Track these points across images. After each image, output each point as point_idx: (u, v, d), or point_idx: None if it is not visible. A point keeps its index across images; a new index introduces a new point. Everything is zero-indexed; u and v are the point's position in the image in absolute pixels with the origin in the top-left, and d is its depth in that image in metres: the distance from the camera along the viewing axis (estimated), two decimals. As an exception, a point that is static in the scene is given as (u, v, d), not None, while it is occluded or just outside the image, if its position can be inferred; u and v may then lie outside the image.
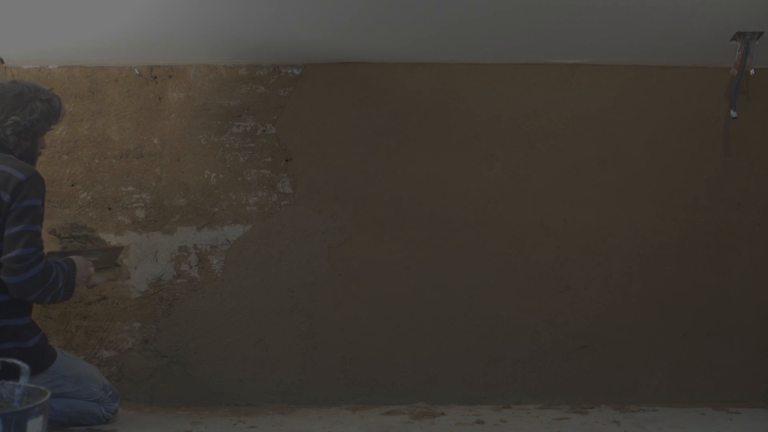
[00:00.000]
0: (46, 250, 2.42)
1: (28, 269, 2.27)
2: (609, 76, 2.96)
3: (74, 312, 2.88)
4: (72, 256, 2.50)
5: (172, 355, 2.91)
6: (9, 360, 1.88)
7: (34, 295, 2.31)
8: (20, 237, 2.28)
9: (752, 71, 2.83)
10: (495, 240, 2.95)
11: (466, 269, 2.94)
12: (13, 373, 1.87)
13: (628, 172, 2.97)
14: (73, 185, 2.93)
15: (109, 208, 2.90)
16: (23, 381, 1.84)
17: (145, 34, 2.77)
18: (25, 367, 1.84)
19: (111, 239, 2.89)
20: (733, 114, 2.88)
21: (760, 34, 2.80)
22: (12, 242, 2.28)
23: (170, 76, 2.93)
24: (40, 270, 2.30)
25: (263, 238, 2.93)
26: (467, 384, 2.94)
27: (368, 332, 2.94)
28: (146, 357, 2.90)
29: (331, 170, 2.94)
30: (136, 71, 2.93)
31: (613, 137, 2.96)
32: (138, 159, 2.91)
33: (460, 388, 2.94)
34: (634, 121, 2.96)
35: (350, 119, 2.94)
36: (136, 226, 2.91)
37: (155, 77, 2.93)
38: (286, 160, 2.94)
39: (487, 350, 2.95)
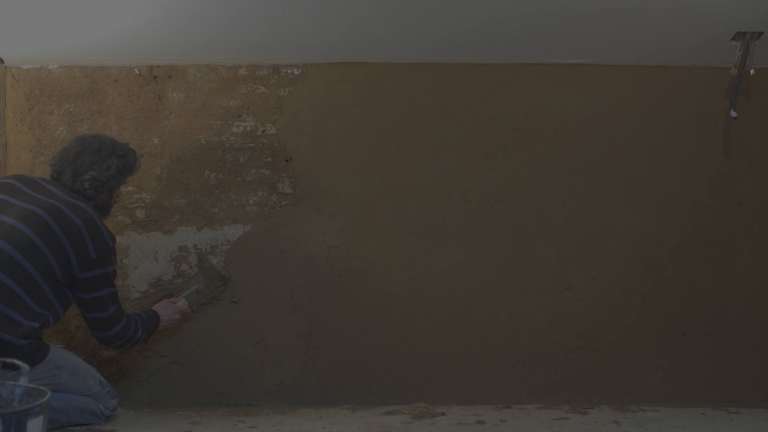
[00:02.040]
0: None
1: (114, 326, 2.55)
2: (609, 76, 2.96)
3: (74, 312, 2.88)
4: (156, 305, 2.76)
5: (172, 355, 2.91)
6: (9, 360, 1.88)
7: (115, 344, 2.60)
8: (107, 299, 2.52)
9: (752, 71, 2.83)
10: (495, 240, 2.95)
11: (466, 269, 2.94)
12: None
13: (629, 172, 2.97)
14: (73, 185, 2.93)
15: (109, 208, 2.90)
16: (23, 381, 1.83)
17: (146, 34, 2.77)
18: (25, 367, 1.84)
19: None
20: (733, 114, 2.88)
21: (760, 34, 2.80)
22: (100, 304, 2.51)
23: (170, 76, 2.93)
24: (123, 326, 2.56)
25: (263, 238, 2.93)
26: (467, 384, 2.94)
27: (368, 332, 2.94)
28: (146, 357, 2.90)
29: (331, 170, 2.94)
30: (136, 71, 2.93)
31: (613, 137, 2.96)
32: (138, 159, 2.90)
33: (460, 388, 2.94)
34: (635, 121, 2.96)
35: (350, 119, 2.94)
36: (136, 226, 2.91)
37: (155, 77, 2.93)
38: (286, 160, 2.94)
39: (487, 350, 2.95)
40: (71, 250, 2.41)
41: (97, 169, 2.55)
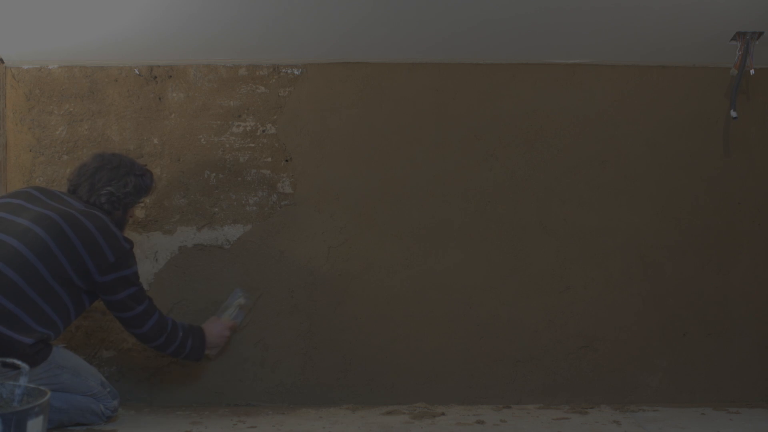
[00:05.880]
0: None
1: (146, 322, 2.56)
2: (609, 76, 2.96)
3: (74, 312, 2.88)
4: (204, 324, 2.76)
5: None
6: (9, 360, 1.88)
7: (155, 343, 2.60)
8: (133, 298, 2.53)
9: (752, 71, 2.83)
10: (495, 240, 2.95)
11: (466, 269, 2.94)
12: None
13: (629, 172, 2.97)
14: (73, 185, 2.93)
15: (109, 208, 2.90)
16: (23, 381, 1.84)
17: (146, 34, 2.77)
18: (24, 366, 1.85)
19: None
20: (733, 114, 2.88)
21: (760, 34, 2.80)
22: (127, 304, 2.53)
23: (170, 76, 2.93)
24: (156, 320, 2.58)
25: (263, 238, 2.93)
26: (467, 384, 2.94)
27: (368, 332, 2.94)
28: (146, 357, 2.90)
29: (331, 170, 2.94)
30: (136, 71, 2.93)
31: (613, 137, 2.96)
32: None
33: (460, 388, 2.94)
34: (635, 121, 2.96)
35: (350, 119, 2.95)
36: (136, 226, 2.91)
37: (155, 77, 2.94)
38: (286, 160, 2.94)
39: (487, 350, 2.95)
40: (87, 257, 2.43)
41: (114, 185, 2.59)
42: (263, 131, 2.94)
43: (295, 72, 2.94)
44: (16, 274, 2.32)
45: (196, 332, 2.71)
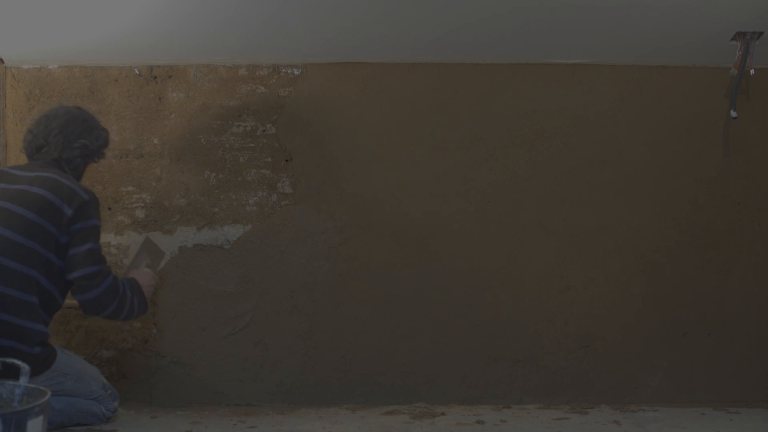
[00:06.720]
0: None
1: (100, 284, 2.40)
2: (609, 76, 2.96)
3: (74, 312, 2.88)
4: (131, 274, 2.64)
5: (172, 355, 2.91)
6: (9, 360, 1.88)
7: (108, 309, 2.44)
8: (89, 255, 2.39)
9: (752, 71, 2.83)
10: (495, 240, 2.95)
11: (466, 269, 2.94)
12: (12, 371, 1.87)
13: (629, 172, 2.97)
14: (73, 185, 2.93)
15: (109, 208, 2.90)
16: (23, 381, 1.84)
17: (146, 34, 2.77)
18: (25, 367, 1.85)
19: (111, 239, 2.89)
20: (733, 114, 2.88)
21: (760, 34, 2.80)
22: (82, 260, 2.38)
23: (170, 76, 2.93)
24: (110, 283, 2.43)
25: (263, 238, 2.93)
26: (467, 384, 2.94)
27: (368, 332, 2.94)
28: (146, 357, 2.90)
29: (331, 170, 2.94)
30: (136, 71, 2.93)
31: (613, 137, 2.96)
32: (138, 159, 2.91)
33: (460, 388, 2.94)
34: (635, 121, 2.96)
35: (350, 119, 2.95)
36: (136, 226, 2.91)
37: (155, 77, 2.93)
38: (286, 160, 2.94)
39: (487, 350, 2.95)
40: (49, 223, 2.34)
41: (87, 138, 2.53)
42: (263, 131, 2.94)
43: (295, 72, 2.94)
44: (2, 285, 2.26)
45: (135, 286, 2.56)
